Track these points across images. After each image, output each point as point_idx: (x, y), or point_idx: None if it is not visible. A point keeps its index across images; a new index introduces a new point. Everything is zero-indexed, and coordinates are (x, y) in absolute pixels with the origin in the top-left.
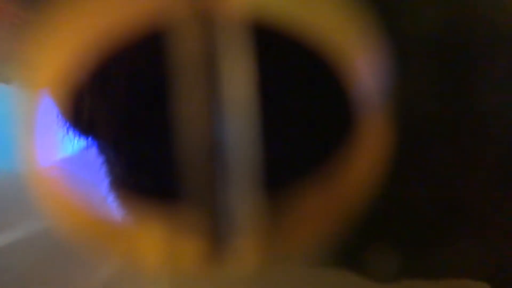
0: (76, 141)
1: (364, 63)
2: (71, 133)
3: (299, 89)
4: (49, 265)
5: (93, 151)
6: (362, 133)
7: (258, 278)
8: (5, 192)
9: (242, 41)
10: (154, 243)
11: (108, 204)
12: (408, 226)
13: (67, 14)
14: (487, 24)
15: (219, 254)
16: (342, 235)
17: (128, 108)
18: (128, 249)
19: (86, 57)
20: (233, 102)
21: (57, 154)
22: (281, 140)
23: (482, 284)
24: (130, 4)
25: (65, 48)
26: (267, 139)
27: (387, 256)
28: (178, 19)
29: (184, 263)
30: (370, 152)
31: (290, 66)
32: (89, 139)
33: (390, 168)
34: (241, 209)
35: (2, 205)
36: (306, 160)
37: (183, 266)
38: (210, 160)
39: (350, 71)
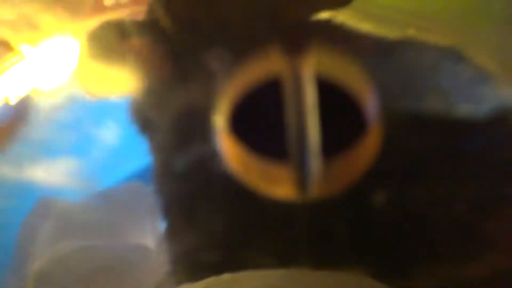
0: None
1: (367, 96)
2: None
3: (336, 111)
4: None
5: None
6: (368, 132)
7: None
8: None
9: (312, 86)
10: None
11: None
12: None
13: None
14: None
15: (302, 187)
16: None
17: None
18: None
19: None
20: (310, 117)
21: None
22: (328, 135)
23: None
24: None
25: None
26: (322, 134)
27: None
28: (285, 76)
29: (283, 190)
30: (372, 143)
31: (334, 98)
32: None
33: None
34: (312, 166)
35: None
36: (339, 146)
37: (281, 192)
38: (299, 142)
39: (361, 99)
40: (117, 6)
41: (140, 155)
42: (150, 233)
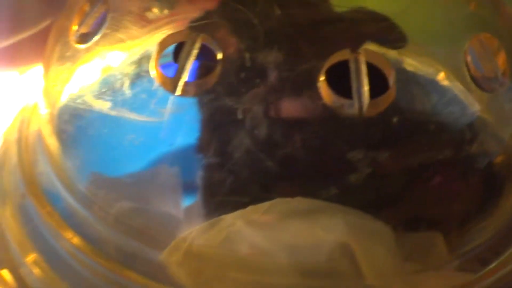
0: None
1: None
2: None
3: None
4: None
5: None
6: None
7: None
8: None
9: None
10: None
11: None
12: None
13: None
14: None
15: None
16: None
17: None
18: None
19: None
20: (364, 79)
21: None
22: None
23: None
24: None
25: None
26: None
27: None
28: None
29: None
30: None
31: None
32: None
33: None
34: (365, 101)
35: None
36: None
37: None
38: (359, 89)
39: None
40: (158, 18)
41: (167, 140)
42: (174, 208)
